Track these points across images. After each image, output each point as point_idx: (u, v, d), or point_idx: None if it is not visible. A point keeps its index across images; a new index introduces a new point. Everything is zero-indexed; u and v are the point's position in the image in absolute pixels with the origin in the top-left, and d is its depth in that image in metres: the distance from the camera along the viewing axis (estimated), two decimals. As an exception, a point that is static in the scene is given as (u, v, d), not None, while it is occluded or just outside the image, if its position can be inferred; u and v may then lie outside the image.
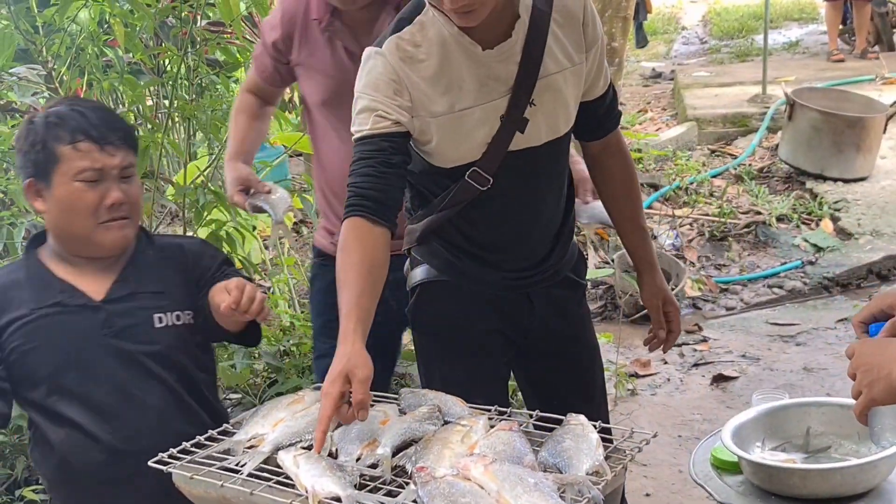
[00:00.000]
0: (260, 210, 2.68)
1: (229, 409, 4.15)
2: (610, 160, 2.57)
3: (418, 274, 2.48)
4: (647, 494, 3.78)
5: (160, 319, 2.32)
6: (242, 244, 3.95)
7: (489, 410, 2.12)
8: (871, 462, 2.76)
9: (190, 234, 3.79)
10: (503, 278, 2.44)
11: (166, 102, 3.81)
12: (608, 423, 2.46)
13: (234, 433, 2.10)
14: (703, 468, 3.02)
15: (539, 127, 2.31)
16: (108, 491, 2.27)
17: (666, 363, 5.00)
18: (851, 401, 2.89)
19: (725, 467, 2.82)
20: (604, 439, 1.94)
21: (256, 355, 3.80)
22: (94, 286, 2.30)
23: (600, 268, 5.85)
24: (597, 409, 2.58)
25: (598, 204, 2.65)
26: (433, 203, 2.39)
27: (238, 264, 3.84)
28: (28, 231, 3.66)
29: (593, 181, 2.65)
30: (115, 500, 2.29)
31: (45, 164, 2.23)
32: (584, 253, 2.65)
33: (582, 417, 1.99)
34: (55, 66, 3.55)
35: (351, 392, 1.94)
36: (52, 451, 2.29)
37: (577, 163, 2.68)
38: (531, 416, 2.09)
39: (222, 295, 2.22)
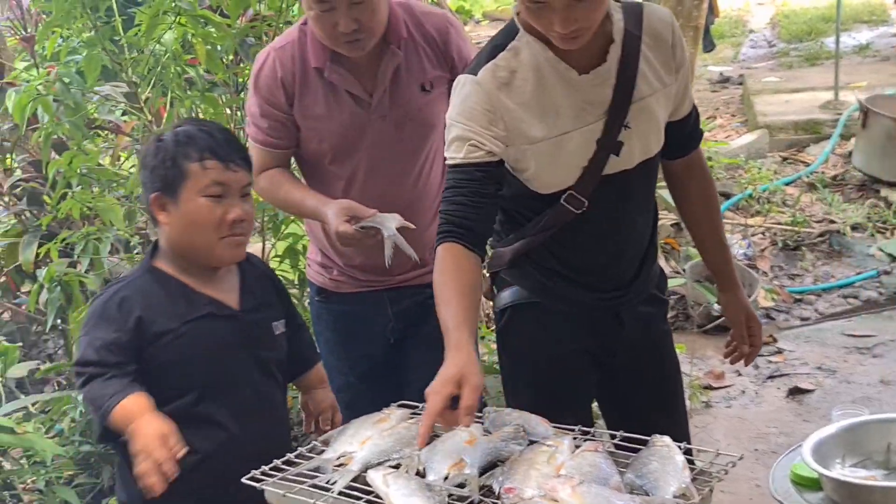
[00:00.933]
0: (370, 229, 2.58)
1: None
2: (692, 178, 2.60)
3: (507, 296, 2.51)
4: (725, 509, 3.77)
5: (276, 328, 2.52)
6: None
7: (573, 430, 2.14)
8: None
9: (268, 246, 3.87)
10: (597, 299, 2.47)
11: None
12: (690, 440, 2.49)
13: (322, 451, 2.15)
14: (782, 485, 3.00)
15: (633, 149, 2.34)
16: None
17: (740, 375, 4.96)
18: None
19: (805, 484, 2.81)
20: (688, 461, 1.95)
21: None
22: (227, 297, 2.44)
23: (672, 278, 5.83)
24: (680, 427, 2.62)
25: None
26: (526, 227, 2.43)
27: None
28: (114, 244, 3.76)
29: (674, 199, 2.67)
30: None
31: (174, 180, 2.35)
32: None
33: (667, 439, 2.00)
34: (139, 85, 3.64)
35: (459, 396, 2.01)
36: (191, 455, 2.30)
37: None
38: (614, 437, 2.10)
39: (315, 409, 2.65)
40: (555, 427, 2.14)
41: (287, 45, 2.71)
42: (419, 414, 2.22)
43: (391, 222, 2.55)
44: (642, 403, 2.60)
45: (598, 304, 2.48)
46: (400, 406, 2.29)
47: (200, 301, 2.40)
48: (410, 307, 2.88)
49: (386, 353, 2.94)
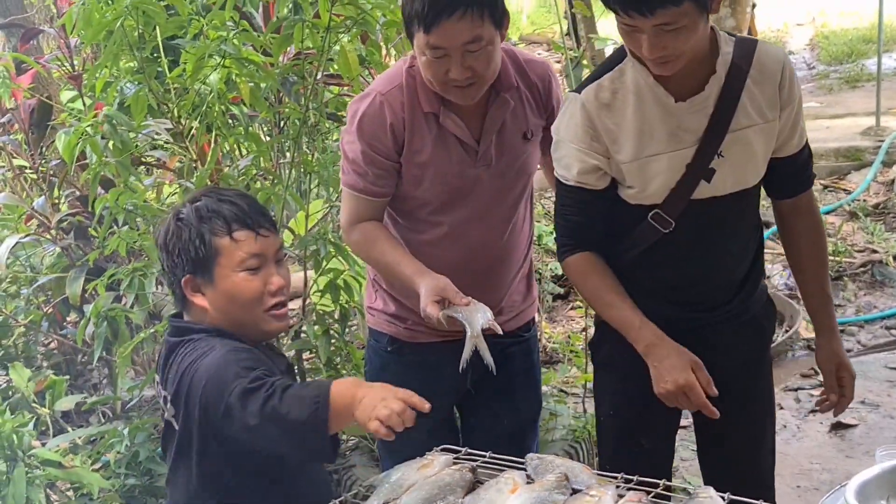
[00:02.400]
0: (455, 321, 2.43)
1: (347, 452, 4.24)
2: (799, 221, 2.64)
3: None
4: (766, 547, 3.74)
5: None
6: (360, 290, 4.04)
7: (615, 478, 2.15)
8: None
9: (310, 280, 3.90)
10: (683, 316, 2.55)
11: (285, 155, 3.93)
12: (773, 486, 2.71)
13: (367, 496, 2.16)
14: (827, 527, 2.99)
15: (725, 178, 2.44)
16: None
17: (782, 408, 4.92)
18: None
19: (848, 526, 2.79)
20: (733, 512, 1.95)
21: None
22: None
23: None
24: (758, 471, 2.77)
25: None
26: (615, 243, 2.56)
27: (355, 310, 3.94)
28: (158, 279, 3.81)
29: (781, 240, 2.74)
30: None
31: (206, 259, 2.27)
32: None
33: (711, 490, 2.00)
34: (185, 123, 3.69)
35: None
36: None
37: None
38: (657, 486, 2.10)
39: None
40: (597, 475, 2.15)
41: (394, 90, 2.63)
42: (462, 460, 2.24)
43: (478, 320, 2.39)
44: (728, 442, 2.71)
45: (685, 321, 2.54)
46: (443, 451, 2.30)
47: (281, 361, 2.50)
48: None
49: (455, 403, 2.89)
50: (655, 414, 2.57)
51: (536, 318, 5.42)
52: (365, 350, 3.00)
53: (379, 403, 2.05)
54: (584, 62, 6.80)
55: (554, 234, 5.17)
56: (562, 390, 4.59)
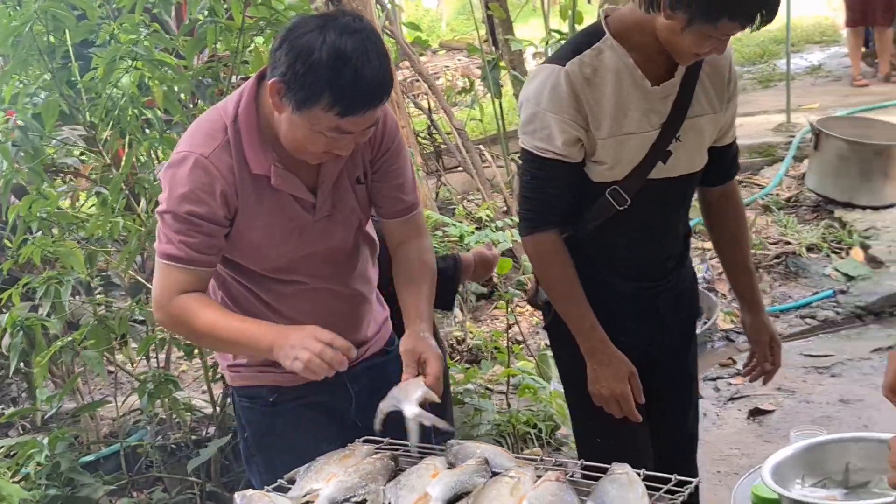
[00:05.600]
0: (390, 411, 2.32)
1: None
2: (729, 206, 2.83)
3: None
4: (689, 531, 3.81)
5: None
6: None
7: (535, 460, 2.19)
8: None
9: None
10: (636, 287, 2.72)
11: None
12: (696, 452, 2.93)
13: (288, 489, 2.17)
14: (744, 506, 3.06)
15: (679, 161, 2.60)
16: None
17: (702, 397, 5.01)
18: (889, 435, 2.92)
19: (768, 504, 2.86)
20: (649, 487, 1.99)
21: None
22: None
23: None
24: (692, 425, 2.99)
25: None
26: (571, 221, 2.65)
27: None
28: (75, 287, 3.76)
29: (708, 227, 2.93)
30: None
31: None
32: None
33: (627, 466, 2.04)
34: (98, 128, 3.66)
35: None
36: None
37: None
38: (574, 466, 2.15)
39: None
40: (517, 458, 2.19)
41: (218, 150, 2.32)
42: (384, 449, 2.27)
43: (412, 398, 2.27)
44: (673, 401, 2.90)
45: (639, 292, 2.71)
46: (364, 442, 2.32)
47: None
48: (369, 383, 2.57)
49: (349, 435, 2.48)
50: None
51: (460, 316, 5.50)
52: (236, 421, 2.74)
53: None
54: (502, 64, 6.90)
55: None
56: (487, 388, 4.62)
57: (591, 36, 2.55)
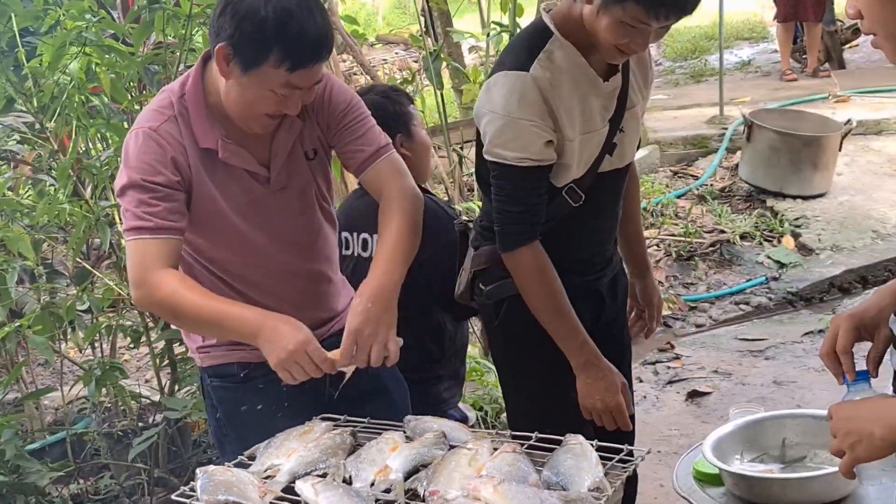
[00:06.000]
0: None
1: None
2: (631, 182, 2.88)
3: (499, 290, 2.67)
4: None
5: None
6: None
7: (490, 434, 2.25)
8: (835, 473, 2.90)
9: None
10: (583, 282, 2.70)
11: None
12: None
13: (248, 465, 2.20)
14: (686, 482, 3.14)
15: (624, 151, 2.65)
16: None
17: (641, 381, 5.13)
18: (824, 412, 3.03)
19: (707, 480, 2.94)
20: (601, 457, 2.06)
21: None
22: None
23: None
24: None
25: None
26: None
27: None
28: (20, 275, 3.74)
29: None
30: None
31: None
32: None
33: (581, 437, 2.12)
34: (44, 115, 3.64)
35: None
36: None
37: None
38: (530, 438, 2.21)
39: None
40: (473, 432, 2.25)
41: (167, 124, 2.36)
42: (342, 426, 2.32)
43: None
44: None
45: (585, 286, 2.70)
46: (323, 419, 2.36)
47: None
48: None
49: (321, 409, 2.49)
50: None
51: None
52: (205, 403, 2.74)
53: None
54: (443, 55, 6.93)
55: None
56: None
57: (539, 37, 2.48)
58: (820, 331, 5.45)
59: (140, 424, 4.08)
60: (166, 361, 4.05)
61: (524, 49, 2.48)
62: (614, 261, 2.85)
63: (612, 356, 2.78)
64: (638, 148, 2.85)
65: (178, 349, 4.05)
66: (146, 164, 2.33)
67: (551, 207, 2.55)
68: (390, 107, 3.12)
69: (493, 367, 4.45)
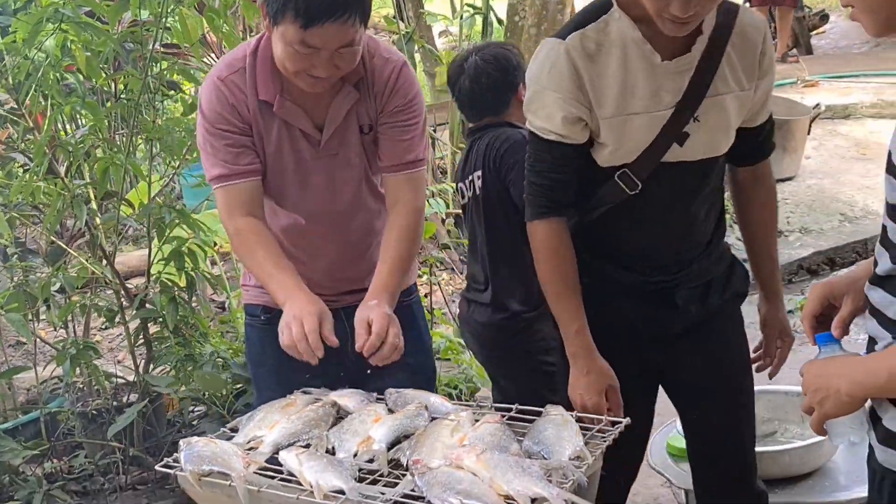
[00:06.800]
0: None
1: (195, 422, 4.25)
2: (757, 188, 2.58)
3: None
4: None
5: None
6: (204, 258, 4.05)
7: (471, 405, 2.28)
8: (816, 444, 2.97)
9: (154, 250, 3.89)
10: (642, 282, 2.47)
11: (126, 123, 3.91)
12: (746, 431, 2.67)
13: (232, 436, 2.22)
14: (660, 457, 3.21)
15: (697, 143, 2.34)
16: None
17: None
18: (794, 388, 3.09)
19: (681, 455, 3.01)
20: (581, 428, 2.09)
21: (223, 366, 3.89)
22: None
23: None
24: (735, 416, 2.66)
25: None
26: (581, 201, 2.45)
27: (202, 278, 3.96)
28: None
29: (735, 206, 2.65)
30: None
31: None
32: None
33: (560, 408, 2.15)
34: (18, 92, 3.62)
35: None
36: None
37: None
38: (510, 409, 2.24)
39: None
40: (455, 404, 2.27)
41: (235, 75, 2.50)
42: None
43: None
44: (704, 390, 2.61)
45: (642, 285, 2.47)
46: (303, 392, 2.38)
47: None
48: None
49: (343, 373, 2.54)
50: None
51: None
52: (245, 333, 2.89)
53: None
54: (416, 38, 6.95)
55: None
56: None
57: (599, 9, 2.32)
58: (789, 311, 5.50)
59: (115, 404, 4.08)
60: (141, 340, 4.05)
61: (578, 18, 2.35)
62: (702, 269, 2.50)
63: (697, 378, 2.60)
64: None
65: (152, 328, 4.05)
66: (213, 109, 2.49)
67: (603, 190, 2.39)
68: (513, 59, 3.21)
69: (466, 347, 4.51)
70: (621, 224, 2.43)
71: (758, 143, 2.51)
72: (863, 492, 2.89)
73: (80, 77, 3.72)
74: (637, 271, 2.46)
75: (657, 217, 2.42)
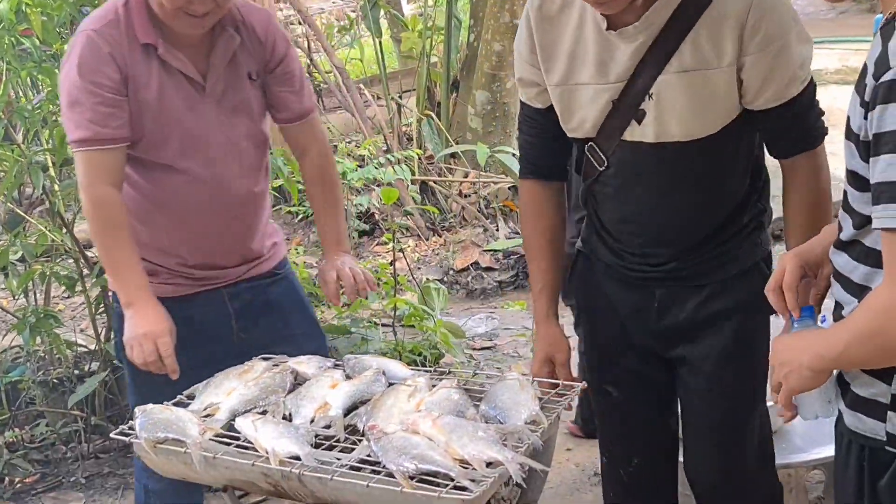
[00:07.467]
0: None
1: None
2: (794, 187, 2.19)
3: (577, 242, 2.47)
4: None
5: None
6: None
7: (429, 371, 2.28)
8: (772, 407, 3.00)
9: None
10: (623, 266, 2.30)
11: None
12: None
13: (188, 404, 2.21)
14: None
15: (657, 122, 2.10)
16: None
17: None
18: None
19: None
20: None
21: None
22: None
23: (511, 238, 6.04)
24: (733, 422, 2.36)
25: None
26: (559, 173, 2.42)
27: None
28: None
29: (783, 204, 2.24)
30: None
31: None
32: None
33: (516, 374, 2.15)
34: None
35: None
36: None
37: None
38: (472, 375, 2.24)
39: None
40: (412, 369, 2.27)
41: (107, 26, 2.42)
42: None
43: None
44: (700, 390, 2.34)
45: (624, 272, 2.29)
46: (263, 359, 2.36)
47: None
48: (251, 302, 2.67)
49: (229, 353, 2.49)
50: (619, 365, 2.38)
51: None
52: (114, 322, 2.79)
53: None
54: (381, 3, 6.90)
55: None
56: (371, 321, 4.67)
57: None
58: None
59: (76, 372, 4.05)
60: (102, 308, 4.02)
61: None
62: (690, 269, 2.24)
63: (689, 396, 2.35)
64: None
65: (114, 295, 4.02)
66: (86, 62, 2.39)
67: (585, 162, 2.24)
68: None
69: (432, 312, 4.52)
70: (604, 202, 2.28)
71: (781, 131, 2.15)
72: (820, 453, 2.96)
73: (37, 42, 3.66)
74: (615, 253, 2.30)
75: (629, 200, 2.22)
